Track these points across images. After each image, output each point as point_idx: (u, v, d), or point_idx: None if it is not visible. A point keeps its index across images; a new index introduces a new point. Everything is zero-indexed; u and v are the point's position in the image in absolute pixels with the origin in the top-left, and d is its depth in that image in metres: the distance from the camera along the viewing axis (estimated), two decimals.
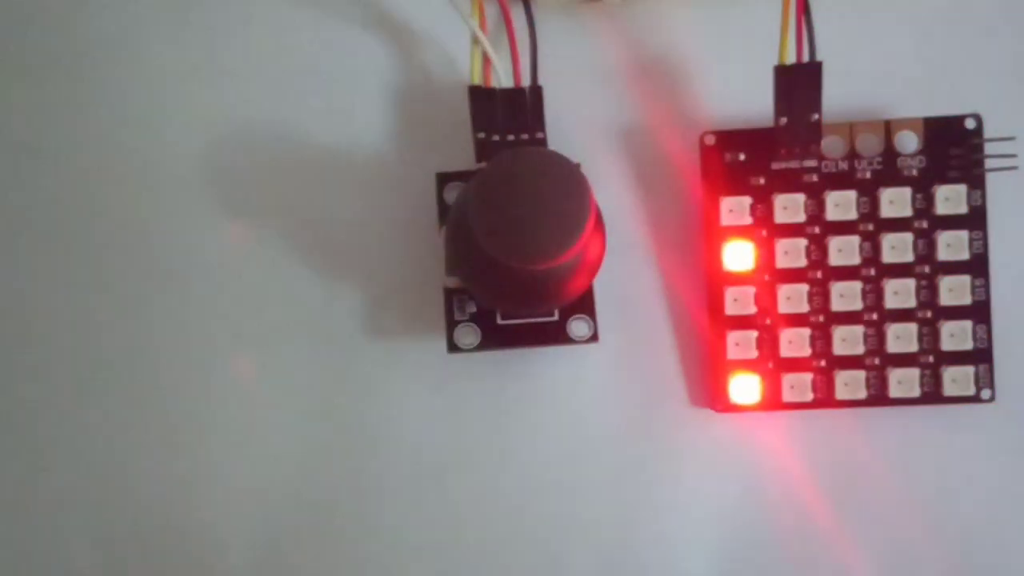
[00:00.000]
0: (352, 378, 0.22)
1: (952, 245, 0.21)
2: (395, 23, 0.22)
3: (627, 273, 0.22)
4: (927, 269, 0.21)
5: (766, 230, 0.21)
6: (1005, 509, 0.21)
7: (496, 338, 0.21)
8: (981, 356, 0.21)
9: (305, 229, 0.22)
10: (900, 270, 0.21)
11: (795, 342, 0.21)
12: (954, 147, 0.21)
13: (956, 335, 0.21)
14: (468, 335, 0.21)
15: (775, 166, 0.21)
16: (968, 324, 0.21)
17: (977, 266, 0.21)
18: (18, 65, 0.22)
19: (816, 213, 0.21)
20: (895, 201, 0.21)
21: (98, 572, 0.22)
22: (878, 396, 0.21)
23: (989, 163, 0.21)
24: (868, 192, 0.21)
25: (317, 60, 0.22)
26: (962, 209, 0.21)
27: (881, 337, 0.21)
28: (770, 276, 0.21)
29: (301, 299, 0.22)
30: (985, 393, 0.21)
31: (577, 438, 0.22)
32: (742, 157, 0.21)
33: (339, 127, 0.22)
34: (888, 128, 0.21)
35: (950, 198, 0.21)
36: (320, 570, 0.22)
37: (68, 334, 0.22)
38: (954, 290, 0.21)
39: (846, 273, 0.21)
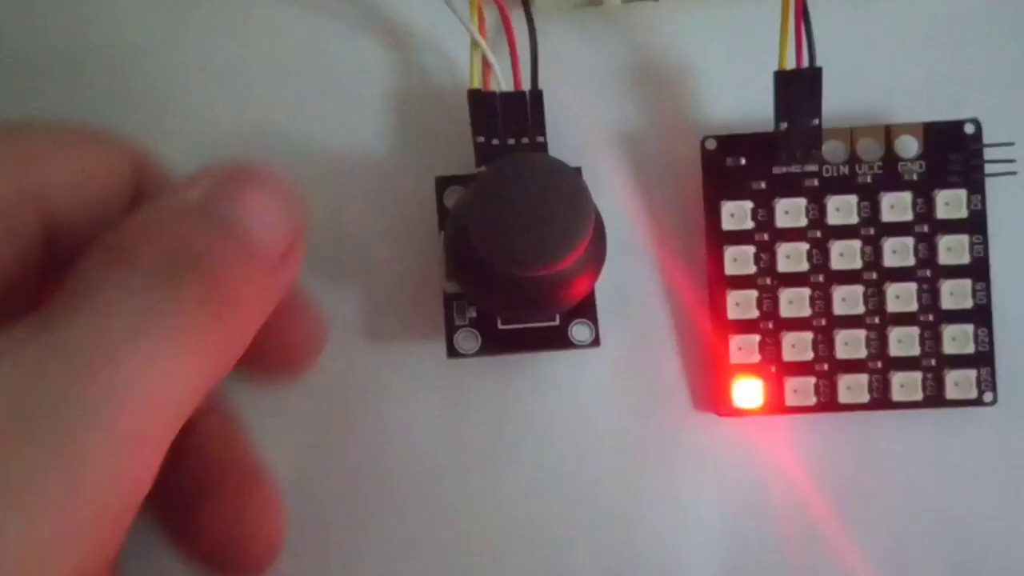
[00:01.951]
0: (351, 383, 0.22)
1: (953, 249, 0.21)
2: (394, 27, 0.22)
3: (629, 277, 0.22)
4: (928, 273, 0.21)
5: (768, 234, 0.21)
6: (1008, 511, 0.21)
7: (497, 343, 0.21)
8: (983, 359, 0.21)
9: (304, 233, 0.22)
10: (901, 274, 0.21)
11: (797, 346, 0.21)
12: (954, 152, 0.21)
13: (958, 338, 0.21)
14: (468, 340, 0.21)
15: (776, 171, 0.21)
16: (969, 327, 0.21)
17: (978, 270, 0.21)
18: (15, 65, 0.22)
19: (817, 217, 0.21)
20: (896, 206, 0.21)
21: None
22: (881, 400, 0.21)
23: (989, 168, 0.21)
24: (869, 197, 0.21)
25: (315, 64, 0.22)
26: (962, 213, 0.21)
27: (883, 341, 0.21)
28: (772, 280, 0.21)
29: None
30: (987, 396, 0.21)
31: (579, 443, 0.22)
32: (743, 162, 0.21)
33: (338, 131, 0.22)
34: (888, 133, 0.21)
35: (950, 203, 0.21)
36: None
37: None
38: (955, 294, 0.21)
39: (848, 277, 0.21)
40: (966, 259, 0.21)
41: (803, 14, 0.20)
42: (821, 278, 0.21)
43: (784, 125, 0.21)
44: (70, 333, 0.12)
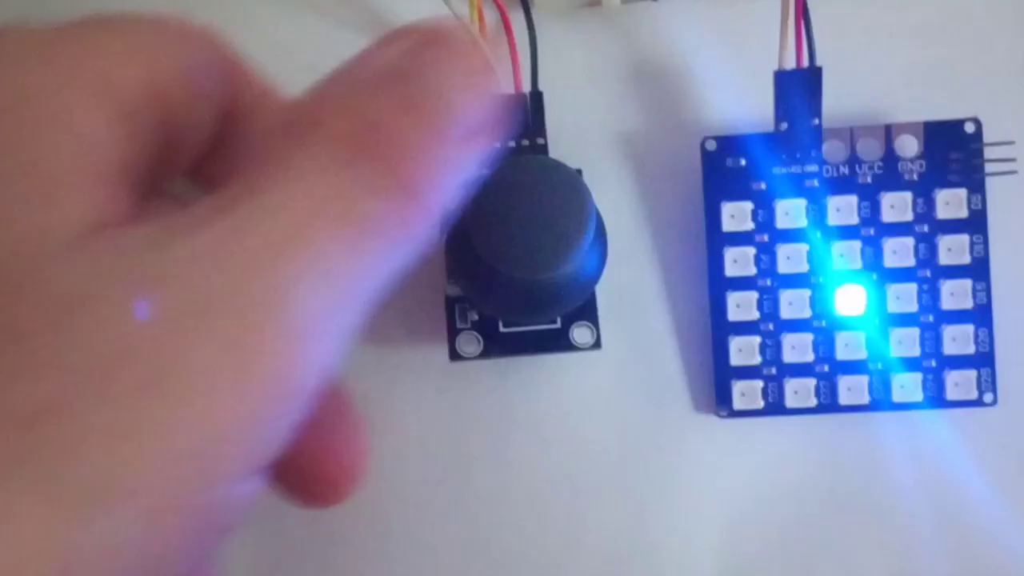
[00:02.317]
0: (352, 386, 0.22)
1: (953, 249, 0.21)
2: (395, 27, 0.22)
3: (629, 279, 0.22)
4: (928, 273, 0.21)
5: (768, 235, 0.21)
6: (1009, 512, 0.21)
7: (499, 346, 0.21)
8: (983, 360, 0.21)
9: None
10: (902, 274, 0.21)
11: (798, 347, 0.21)
12: (954, 151, 0.21)
13: (958, 339, 0.21)
14: (470, 343, 0.21)
15: (776, 171, 0.21)
16: (970, 328, 0.21)
17: (978, 270, 0.21)
18: None
19: (818, 218, 0.21)
20: (896, 205, 0.21)
21: None
22: (881, 400, 0.21)
23: (989, 167, 0.21)
24: (869, 197, 0.21)
25: (316, 67, 0.22)
26: (962, 213, 0.21)
27: (884, 341, 0.21)
28: (772, 281, 0.21)
29: None
30: (987, 396, 0.21)
31: (580, 445, 0.22)
32: (743, 162, 0.21)
33: None
34: (888, 133, 0.21)
35: (950, 202, 0.21)
36: None
37: None
38: (955, 294, 0.21)
39: (848, 278, 0.21)
40: (966, 259, 0.21)
41: (803, 14, 0.20)
42: (821, 279, 0.21)
43: (784, 125, 0.21)
44: (249, 216, 0.11)
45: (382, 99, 0.12)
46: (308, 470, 0.17)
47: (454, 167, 0.13)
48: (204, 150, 0.16)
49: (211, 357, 0.11)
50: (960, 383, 0.21)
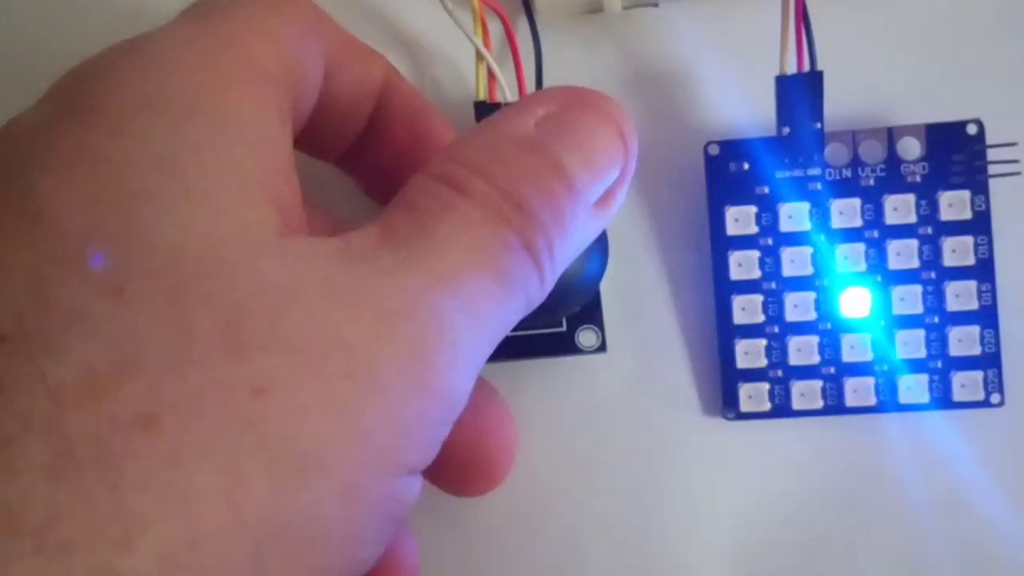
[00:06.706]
0: None
1: (957, 251, 0.21)
2: (402, 39, 0.23)
3: (635, 283, 0.22)
4: (933, 275, 0.21)
5: (772, 238, 0.21)
6: (1017, 514, 0.21)
7: (505, 349, 0.21)
8: (989, 361, 0.21)
9: None
10: (906, 276, 0.21)
11: (803, 350, 0.21)
12: (956, 153, 0.21)
13: (964, 340, 0.21)
14: None
15: (779, 175, 0.21)
16: (975, 329, 0.21)
17: (983, 271, 0.21)
18: (21, 74, 0.23)
19: (821, 221, 0.21)
20: (899, 208, 0.21)
21: None
22: (887, 402, 0.21)
23: (992, 169, 0.21)
24: (872, 199, 0.21)
25: None
26: (966, 215, 0.21)
27: (889, 343, 0.21)
28: (777, 284, 0.21)
29: None
30: (994, 398, 0.21)
31: (587, 448, 0.22)
32: (746, 166, 0.21)
33: None
34: (890, 135, 0.21)
35: (954, 204, 0.21)
36: None
37: None
38: (960, 296, 0.21)
39: (852, 280, 0.21)
40: (971, 260, 0.21)
41: (803, 18, 0.20)
42: (825, 281, 0.21)
43: (786, 129, 0.21)
44: (420, 252, 0.13)
45: (525, 159, 0.14)
46: (466, 459, 0.19)
47: (575, 230, 0.15)
48: (352, 141, 0.18)
49: (395, 359, 0.12)
50: (966, 384, 0.21)
